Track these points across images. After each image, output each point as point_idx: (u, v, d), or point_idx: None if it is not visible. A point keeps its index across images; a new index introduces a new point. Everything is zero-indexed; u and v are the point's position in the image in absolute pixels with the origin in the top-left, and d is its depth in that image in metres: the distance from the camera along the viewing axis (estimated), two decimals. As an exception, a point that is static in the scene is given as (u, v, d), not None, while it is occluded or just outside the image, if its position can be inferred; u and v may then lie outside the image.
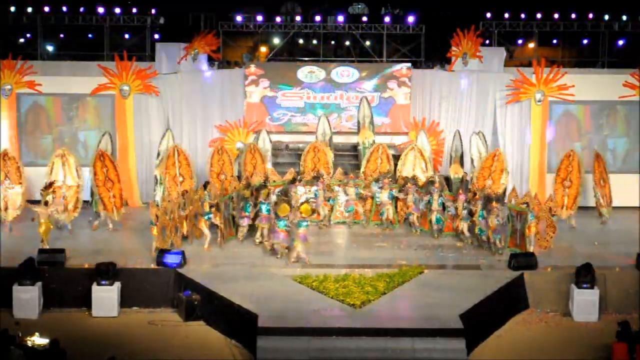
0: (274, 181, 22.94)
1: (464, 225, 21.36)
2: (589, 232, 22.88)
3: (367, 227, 23.07)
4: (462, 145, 25.33)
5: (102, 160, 22.83)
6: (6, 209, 22.57)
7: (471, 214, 21.30)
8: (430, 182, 22.70)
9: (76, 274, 18.55)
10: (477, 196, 21.37)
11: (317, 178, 23.04)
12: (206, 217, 20.59)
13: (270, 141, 25.73)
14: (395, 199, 23.00)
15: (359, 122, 26.11)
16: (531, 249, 19.78)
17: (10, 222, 22.38)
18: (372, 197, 23.18)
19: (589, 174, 24.05)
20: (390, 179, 23.28)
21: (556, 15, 32.21)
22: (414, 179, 23.31)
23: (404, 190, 22.77)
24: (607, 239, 21.95)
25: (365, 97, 26.59)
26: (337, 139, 26.78)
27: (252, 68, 27.97)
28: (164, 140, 24.66)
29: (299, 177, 22.99)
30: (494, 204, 20.47)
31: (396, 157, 25.00)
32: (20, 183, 22.96)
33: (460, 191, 21.80)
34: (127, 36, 35.97)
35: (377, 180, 23.24)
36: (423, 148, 25.00)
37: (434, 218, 22.02)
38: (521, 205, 20.50)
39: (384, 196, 22.80)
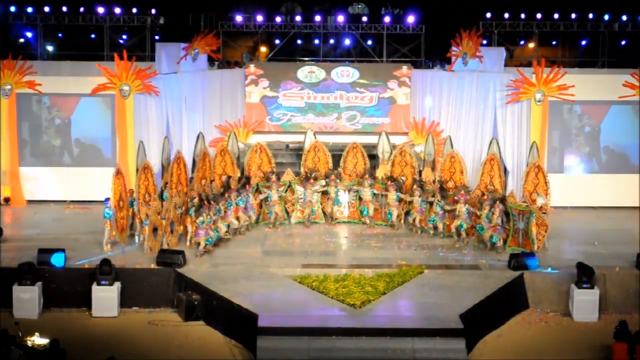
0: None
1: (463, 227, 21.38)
2: (588, 232, 22.85)
3: (373, 227, 23.07)
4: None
5: None
6: None
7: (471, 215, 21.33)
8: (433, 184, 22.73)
9: (76, 274, 18.56)
10: (485, 197, 21.40)
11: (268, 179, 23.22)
12: (189, 213, 20.59)
13: (238, 146, 25.62)
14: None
15: (377, 157, 25.64)
16: (535, 247, 19.80)
17: None
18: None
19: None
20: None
21: (556, 15, 32.21)
22: (421, 181, 23.31)
23: (410, 192, 22.78)
24: (607, 239, 21.93)
25: (385, 131, 26.06)
26: (337, 139, 26.80)
27: (252, 68, 27.94)
28: (164, 152, 24.68)
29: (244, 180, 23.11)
30: (497, 204, 20.53)
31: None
32: None
33: (462, 193, 21.80)
34: (127, 36, 35.98)
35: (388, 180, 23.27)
36: (429, 153, 25.28)
37: (438, 220, 22.02)
38: (521, 204, 20.50)
39: (390, 197, 22.84)
